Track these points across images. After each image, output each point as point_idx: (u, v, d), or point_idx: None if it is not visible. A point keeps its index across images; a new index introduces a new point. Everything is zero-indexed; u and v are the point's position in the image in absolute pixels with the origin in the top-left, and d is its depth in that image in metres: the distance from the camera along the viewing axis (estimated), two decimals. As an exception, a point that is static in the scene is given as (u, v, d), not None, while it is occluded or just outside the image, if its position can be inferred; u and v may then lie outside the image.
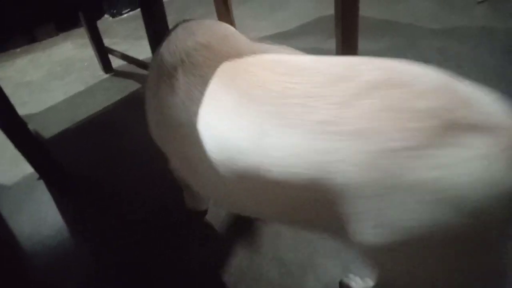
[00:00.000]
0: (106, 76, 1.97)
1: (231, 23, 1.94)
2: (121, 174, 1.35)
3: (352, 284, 0.87)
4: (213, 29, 0.81)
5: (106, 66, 1.97)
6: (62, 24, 2.50)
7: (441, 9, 2.04)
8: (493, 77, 1.47)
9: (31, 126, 1.68)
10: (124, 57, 1.83)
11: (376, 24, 2.02)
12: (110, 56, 1.96)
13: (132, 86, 1.86)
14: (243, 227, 1.07)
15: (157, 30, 1.39)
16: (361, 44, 1.79)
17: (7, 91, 1.23)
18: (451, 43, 1.73)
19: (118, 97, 1.79)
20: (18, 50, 2.42)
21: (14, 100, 1.76)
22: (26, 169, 1.36)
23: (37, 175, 1.37)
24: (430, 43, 1.75)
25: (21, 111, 1.73)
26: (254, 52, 0.69)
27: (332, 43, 1.57)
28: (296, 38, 1.96)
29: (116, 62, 1.98)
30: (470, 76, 1.59)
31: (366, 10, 2.14)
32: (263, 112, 0.57)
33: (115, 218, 1.07)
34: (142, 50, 1.42)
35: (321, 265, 0.96)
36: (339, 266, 0.94)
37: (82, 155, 1.50)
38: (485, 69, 1.52)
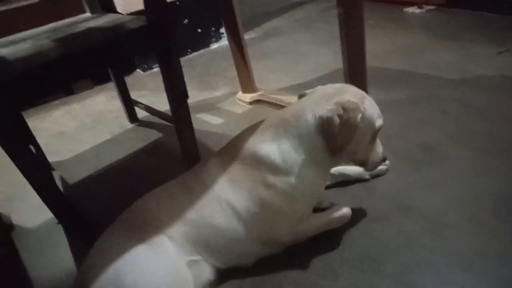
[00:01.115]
0: (131, 126, 2.08)
1: (250, 75, 2.03)
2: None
3: None
4: None
5: (132, 116, 2.09)
6: (98, 78, 2.70)
7: (460, 59, 2.04)
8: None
9: (58, 173, 1.79)
10: (148, 108, 1.93)
11: (394, 75, 2.04)
12: (136, 108, 2.08)
13: (154, 135, 1.95)
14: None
15: (174, 87, 1.49)
16: (378, 94, 1.81)
17: (42, 141, 1.33)
18: (471, 93, 1.71)
19: (141, 146, 1.87)
20: (57, 102, 2.61)
21: (47, 149, 1.90)
22: (48, 213, 1.42)
23: (56, 220, 1.43)
24: (449, 94, 1.74)
25: (52, 158, 1.85)
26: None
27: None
28: (309, 88, 2.01)
29: (141, 113, 2.09)
30: (494, 123, 1.57)
31: (384, 62, 2.18)
32: None
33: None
34: (167, 102, 1.53)
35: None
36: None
37: (103, 201, 1.56)
38: (508, 117, 1.48)
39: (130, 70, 2.83)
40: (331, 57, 2.36)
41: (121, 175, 1.70)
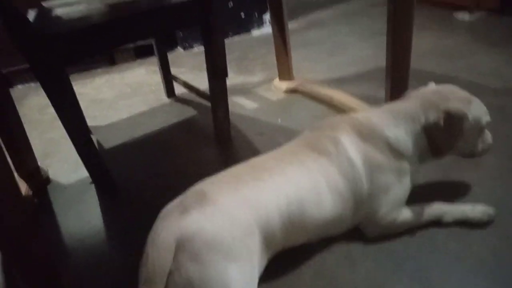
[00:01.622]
0: (168, 101, 2.13)
1: (288, 63, 2.04)
2: (166, 191, 1.42)
3: None
4: None
5: (170, 92, 2.14)
6: (140, 51, 2.78)
7: (506, 67, 1.97)
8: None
9: (95, 137, 1.87)
10: (186, 85, 1.98)
11: (434, 77, 1.95)
12: (174, 83, 2.13)
13: (189, 112, 2.00)
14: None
15: (215, 64, 1.52)
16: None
17: (82, 105, 1.40)
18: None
19: (175, 120, 1.93)
20: (99, 70, 2.71)
21: (87, 113, 1.98)
22: (83, 173, 1.50)
23: (90, 180, 1.50)
24: (489, 101, 1.67)
25: (90, 122, 1.93)
26: None
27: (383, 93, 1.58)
28: (350, 84, 2.00)
29: (179, 90, 2.15)
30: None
31: (426, 64, 2.14)
32: None
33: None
34: (204, 81, 1.57)
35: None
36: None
37: (135, 168, 1.63)
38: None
39: (171, 46, 2.89)
40: (372, 52, 2.32)
41: (153, 146, 1.77)
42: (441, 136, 1.06)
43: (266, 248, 0.93)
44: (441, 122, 1.04)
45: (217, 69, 1.54)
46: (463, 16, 2.76)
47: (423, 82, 1.99)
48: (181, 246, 0.80)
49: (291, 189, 0.97)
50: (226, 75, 1.54)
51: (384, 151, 1.08)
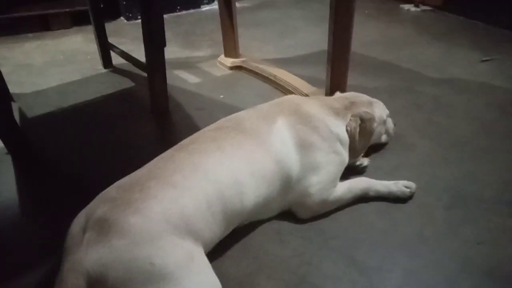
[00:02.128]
0: (104, 71, 1.99)
1: (234, 40, 1.97)
2: (91, 165, 1.33)
3: None
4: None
5: (106, 61, 2.00)
6: (77, 18, 2.56)
7: (444, 60, 2.04)
8: (482, 130, 1.45)
9: (17, 104, 1.69)
10: (123, 54, 1.85)
11: (377, 64, 2.03)
12: (112, 54, 1.98)
13: (126, 83, 1.87)
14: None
15: (152, 31, 1.42)
16: (359, 80, 1.80)
17: (6, 70, 1.24)
18: (446, 91, 1.72)
19: (110, 91, 1.80)
20: (31, 35, 2.47)
21: (11, 78, 1.79)
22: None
23: (5, 150, 1.36)
24: (425, 89, 1.75)
25: (13, 89, 1.76)
26: None
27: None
28: (296, 65, 1.98)
29: (117, 60, 2.01)
30: (460, 127, 1.60)
31: (371, 51, 2.17)
32: None
33: (70, 201, 1.03)
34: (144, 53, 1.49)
35: (259, 284, 0.91)
36: (278, 288, 0.89)
37: (60, 139, 1.49)
38: (476, 122, 1.50)
39: (114, 16, 2.71)
40: (320, 37, 2.29)
41: (83, 117, 1.63)
42: (359, 139, 1.17)
43: (199, 248, 0.85)
44: (357, 127, 1.16)
45: (154, 37, 1.44)
46: (409, 8, 2.84)
47: (365, 68, 2.06)
48: (94, 286, 0.73)
49: (209, 187, 0.89)
50: (164, 44, 1.45)
51: (320, 132, 1.09)
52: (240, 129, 1.02)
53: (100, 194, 0.86)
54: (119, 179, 0.88)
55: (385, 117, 1.30)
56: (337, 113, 1.17)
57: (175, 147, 0.99)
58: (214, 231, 0.89)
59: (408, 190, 1.13)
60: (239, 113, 1.12)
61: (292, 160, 1.03)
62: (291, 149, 1.04)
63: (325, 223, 1.07)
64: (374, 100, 1.30)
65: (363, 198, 1.13)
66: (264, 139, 1.02)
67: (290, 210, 1.08)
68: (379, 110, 1.28)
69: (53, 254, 0.93)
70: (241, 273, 0.93)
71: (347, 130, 1.16)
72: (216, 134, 1.00)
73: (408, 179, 1.16)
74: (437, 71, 1.93)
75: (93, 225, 0.77)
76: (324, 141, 1.09)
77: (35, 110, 1.66)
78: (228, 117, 1.10)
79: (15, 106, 1.67)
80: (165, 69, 1.53)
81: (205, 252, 0.86)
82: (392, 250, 0.98)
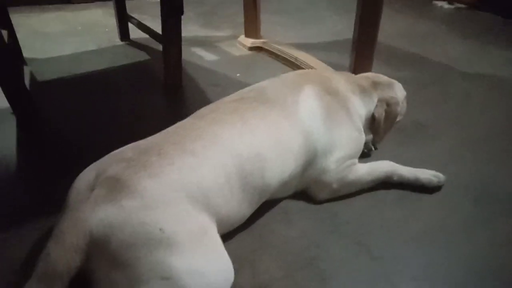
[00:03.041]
0: (120, 43, 1.94)
1: (256, 20, 1.90)
2: (96, 131, 1.27)
3: None
4: None
5: (124, 34, 1.95)
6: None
7: (477, 56, 1.92)
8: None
9: (29, 68, 1.66)
10: (140, 25, 1.79)
11: (405, 56, 1.92)
12: (130, 28, 1.94)
13: (141, 56, 1.82)
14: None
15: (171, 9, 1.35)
16: (384, 69, 1.69)
17: (22, 35, 1.20)
18: (478, 88, 1.61)
19: (124, 62, 1.74)
20: (51, 6, 2.45)
21: (26, 43, 1.76)
22: (5, 101, 1.31)
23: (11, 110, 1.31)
24: (455, 83, 1.64)
25: (27, 54, 1.72)
26: None
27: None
28: (318, 50, 1.89)
29: (134, 34, 1.96)
30: (489, 122, 1.47)
31: (398, 43, 2.07)
32: None
33: (68, 166, 0.98)
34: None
35: (262, 262, 0.82)
36: (281, 269, 0.81)
37: (67, 104, 1.44)
38: (507, 119, 1.38)
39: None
40: (346, 26, 2.19)
41: (93, 84, 1.58)
42: (384, 124, 1.12)
43: (214, 224, 0.77)
44: (383, 113, 1.11)
45: (172, 4, 1.37)
46: (442, 5, 2.72)
47: (392, 58, 1.96)
48: (95, 249, 0.66)
49: (228, 160, 0.81)
50: (181, 11, 1.38)
51: (348, 108, 1.03)
52: (264, 99, 0.94)
53: (114, 152, 0.79)
54: (115, 146, 0.81)
55: (403, 98, 1.23)
56: (363, 91, 1.11)
57: (193, 115, 0.91)
58: (232, 209, 0.81)
59: (436, 180, 1.03)
60: (261, 82, 1.04)
61: (320, 132, 0.95)
62: (319, 120, 0.96)
63: (338, 206, 0.98)
64: (393, 80, 1.23)
65: (384, 183, 1.03)
66: (290, 109, 0.94)
67: (305, 190, 1.00)
68: (399, 92, 1.21)
69: (48, 213, 0.88)
70: (244, 250, 0.85)
71: (374, 116, 1.10)
72: (238, 105, 0.92)
73: (433, 170, 1.06)
74: (469, 66, 1.81)
75: (103, 183, 0.71)
76: (350, 117, 1.03)
77: (47, 75, 1.62)
78: (250, 87, 1.02)
79: (26, 70, 1.64)
80: (180, 40, 1.46)
81: (220, 232, 0.78)
82: (410, 241, 0.88)
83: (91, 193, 0.70)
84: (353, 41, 1.46)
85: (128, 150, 0.79)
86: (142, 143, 0.82)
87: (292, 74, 1.09)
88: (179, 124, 0.88)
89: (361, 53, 1.45)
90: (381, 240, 0.88)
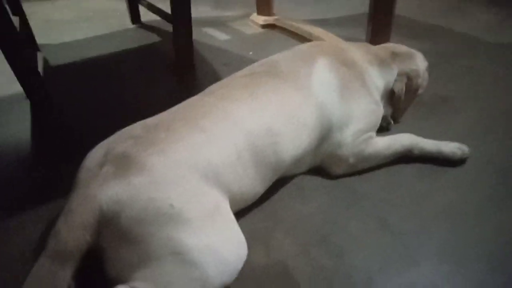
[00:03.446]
0: (131, 26, 1.93)
1: (269, 1, 1.85)
2: (106, 113, 1.27)
3: None
4: None
5: (135, 17, 1.93)
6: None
7: (503, 24, 1.81)
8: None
9: (42, 54, 1.66)
10: (150, 6, 1.76)
11: (426, 27, 1.83)
12: (141, 10, 1.91)
13: (152, 38, 1.80)
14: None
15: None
16: (404, 43, 1.62)
17: (35, 22, 1.20)
18: (505, 59, 1.51)
19: (136, 45, 1.73)
20: (64, -6, 2.46)
21: (39, 30, 1.76)
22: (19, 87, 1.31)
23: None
24: (480, 55, 1.55)
25: (41, 40, 1.72)
26: None
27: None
28: (333, 25, 1.82)
29: (145, 17, 1.93)
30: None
31: (419, 14, 1.97)
32: None
33: (80, 148, 0.97)
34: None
35: (276, 239, 0.80)
36: (296, 245, 0.78)
37: (79, 88, 1.44)
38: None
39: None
40: (362, 1, 2.14)
41: (105, 68, 1.57)
42: (404, 99, 1.09)
43: (226, 201, 0.75)
44: (404, 88, 1.08)
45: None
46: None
47: (414, 31, 1.87)
48: (106, 224, 0.65)
49: (239, 137, 0.78)
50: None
51: (364, 80, 0.99)
52: (275, 73, 0.90)
53: (123, 130, 0.77)
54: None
55: (424, 69, 1.17)
56: (382, 62, 1.06)
57: (203, 92, 0.88)
58: (245, 185, 0.78)
59: (461, 152, 0.97)
60: (273, 56, 1.00)
61: (335, 105, 0.91)
62: (334, 92, 0.92)
63: (356, 181, 0.93)
64: (414, 51, 1.17)
65: (405, 157, 0.98)
66: (303, 82, 0.89)
67: (321, 166, 0.96)
68: (421, 62, 1.15)
69: (57, 196, 0.87)
70: (256, 226, 0.82)
71: (393, 91, 1.06)
72: (248, 80, 0.88)
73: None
74: (497, 36, 1.71)
75: (113, 160, 0.69)
76: (367, 89, 0.98)
77: (60, 60, 1.62)
78: (261, 61, 0.98)
79: (40, 55, 1.64)
80: (190, 19, 1.42)
81: (233, 210, 0.75)
82: (431, 217, 0.84)
83: (100, 171, 0.69)
84: (369, 14, 1.41)
85: (136, 127, 0.78)
86: (150, 120, 0.80)
87: (305, 46, 1.05)
88: (188, 101, 0.86)
89: (378, 26, 1.39)
90: (401, 215, 0.84)
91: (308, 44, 1.05)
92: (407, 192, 0.90)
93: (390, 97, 1.09)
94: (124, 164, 0.68)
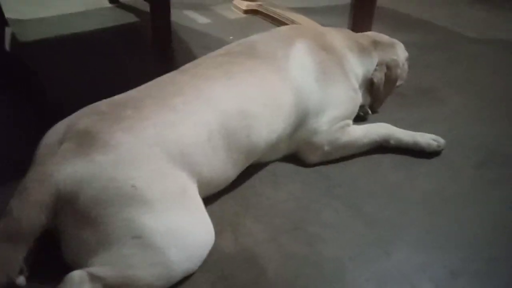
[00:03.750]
0: (109, 5, 1.85)
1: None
2: (79, 91, 1.20)
3: None
4: None
5: (113, -4, 1.85)
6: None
7: (487, 21, 1.82)
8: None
9: (10, 29, 1.57)
10: (128, -16, 1.70)
11: (410, 20, 1.82)
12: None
13: (130, 18, 1.73)
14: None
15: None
16: (387, 34, 1.61)
17: None
18: (486, 52, 1.51)
19: (111, 24, 1.66)
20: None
21: (9, 4, 1.67)
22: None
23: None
24: (461, 47, 1.55)
25: (10, 15, 1.63)
26: None
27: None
28: (317, 14, 1.79)
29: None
30: (497, 85, 1.38)
31: (404, 7, 1.96)
32: None
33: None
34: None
35: (245, 225, 0.77)
36: (266, 232, 0.75)
37: (50, 65, 1.37)
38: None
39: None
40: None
41: (79, 45, 1.50)
42: (384, 88, 1.08)
43: (194, 184, 0.71)
44: (383, 78, 1.06)
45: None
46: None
47: (397, 22, 1.86)
48: (63, 204, 0.61)
49: (211, 117, 0.74)
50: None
51: (343, 66, 0.96)
52: (252, 53, 0.86)
53: (86, 107, 0.72)
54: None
55: (404, 60, 1.16)
56: (362, 50, 1.03)
57: (177, 70, 0.84)
58: (215, 169, 0.74)
59: (436, 143, 0.96)
60: (250, 37, 0.96)
61: (312, 89, 0.88)
62: (311, 76, 0.89)
63: (331, 169, 0.91)
64: (395, 40, 1.16)
65: (381, 147, 0.96)
66: (280, 64, 0.86)
67: (296, 153, 0.93)
68: (401, 53, 1.14)
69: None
70: (225, 211, 0.79)
71: (372, 81, 1.04)
72: (223, 59, 0.85)
73: (434, 134, 0.99)
74: (478, 31, 1.71)
75: (73, 136, 0.65)
76: (345, 75, 0.95)
77: (31, 36, 1.54)
78: (239, 41, 0.95)
79: (8, 30, 1.56)
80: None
81: (202, 195, 0.72)
82: (407, 206, 0.82)
83: (59, 148, 0.65)
84: (351, 5, 1.41)
85: (102, 104, 0.73)
86: (118, 97, 0.76)
87: (284, 28, 1.01)
88: (159, 78, 0.81)
89: (360, 15, 1.39)
90: (375, 205, 0.82)
91: (288, 26, 1.03)
92: (383, 182, 0.88)
93: (369, 86, 1.07)
94: (85, 141, 0.64)
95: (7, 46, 1.44)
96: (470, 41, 1.62)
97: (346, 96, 0.94)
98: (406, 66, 1.20)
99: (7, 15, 1.61)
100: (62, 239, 0.63)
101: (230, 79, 0.80)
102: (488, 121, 1.11)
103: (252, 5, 1.79)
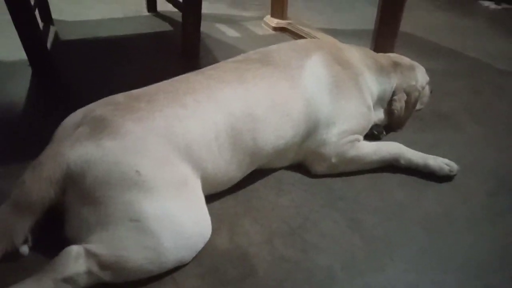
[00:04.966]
0: (147, 14, 1.95)
1: (283, 4, 1.85)
2: (107, 90, 1.27)
3: None
4: None
5: (151, 5, 1.95)
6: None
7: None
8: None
9: (55, 28, 1.69)
10: (166, -5, 1.78)
11: (439, 48, 1.81)
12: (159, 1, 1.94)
13: (164, 27, 1.81)
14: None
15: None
16: (413, 60, 1.62)
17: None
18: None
19: (146, 31, 1.74)
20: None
21: (55, 6, 1.80)
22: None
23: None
24: (488, 78, 1.52)
25: (56, 16, 1.76)
26: None
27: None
28: (345, 37, 1.81)
29: (162, 7, 1.96)
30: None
31: (432, 35, 1.96)
32: None
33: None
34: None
35: (243, 225, 0.78)
36: (261, 234, 0.76)
37: (84, 64, 1.46)
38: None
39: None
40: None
41: (113, 48, 1.59)
42: (404, 114, 1.08)
43: (197, 179, 0.75)
44: (403, 106, 1.07)
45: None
46: (489, 5, 2.55)
47: (425, 50, 1.85)
48: (71, 182, 0.66)
49: (219, 117, 0.77)
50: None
51: (358, 83, 0.98)
52: (267, 61, 0.90)
53: (105, 98, 0.78)
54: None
55: (425, 84, 1.17)
56: (381, 69, 1.05)
57: (194, 71, 0.89)
58: (220, 167, 0.78)
59: (448, 168, 0.94)
60: (270, 46, 1.00)
61: (323, 101, 0.90)
62: (324, 88, 0.91)
63: (335, 181, 0.92)
64: (416, 63, 1.16)
65: (391, 166, 0.96)
66: (293, 73, 0.89)
67: (303, 162, 0.94)
68: (421, 76, 1.14)
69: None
70: (226, 210, 0.81)
71: (393, 112, 1.07)
72: (240, 65, 0.89)
73: (448, 157, 0.98)
74: (508, 63, 1.68)
75: (89, 121, 0.70)
76: (359, 91, 0.97)
77: (71, 35, 1.65)
78: (257, 49, 0.99)
79: (52, 29, 1.67)
80: (200, 8, 1.43)
81: (205, 192, 0.75)
82: (408, 225, 0.81)
83: (75, 130, 0.70)
84: (374, 31, 1.42)
85: (119, 96, 0.79)
86: (135, 91, 0.81)
87: (304, 41, 1.04)
88: (176, 78, 0.86)
89: (382, 44, 1.40)
90: (375, 220, 0.82)
91: (307, 39, 1.05)
92: (387, 199, 0.88)
93: (389, 115, 1.08)
94: (99, 127, 0.69)
95: (49, 43, 1.55)
96: (498, 72, 1.59)
97: (357, 111, 0.95)
98: (427, 90, 1.19)
99: (53, 15, 1.74)
100: (66, 215, 0.68)
101: (242, 83, 0.83)
102: (505, 151, 1.08)
103: (282, 23, 1.84)
